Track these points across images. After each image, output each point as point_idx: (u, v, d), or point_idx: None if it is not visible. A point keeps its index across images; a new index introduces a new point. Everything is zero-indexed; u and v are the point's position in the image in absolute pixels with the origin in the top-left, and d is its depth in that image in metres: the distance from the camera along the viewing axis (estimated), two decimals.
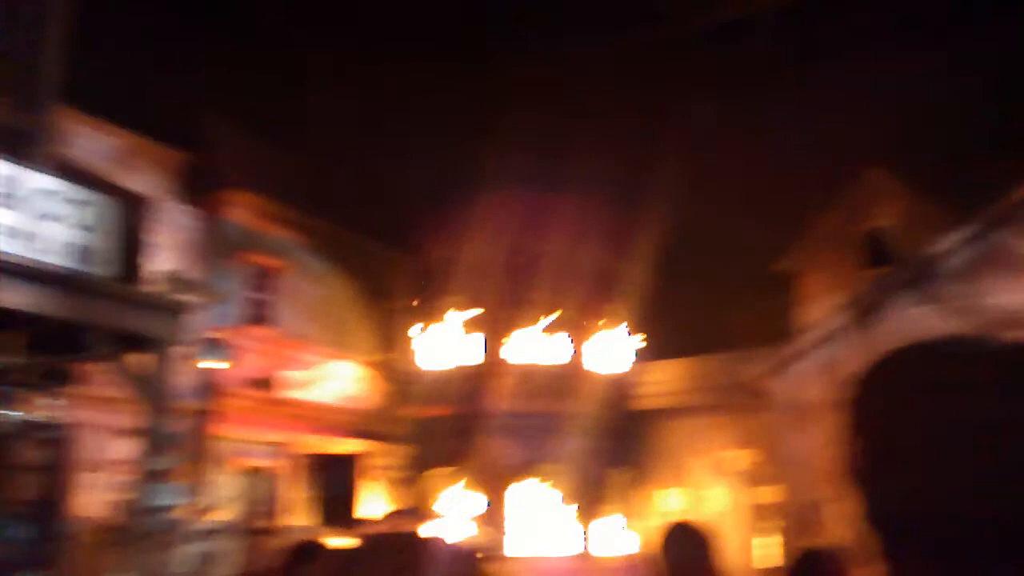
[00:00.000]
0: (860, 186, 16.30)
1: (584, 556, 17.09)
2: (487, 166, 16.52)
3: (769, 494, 17.03)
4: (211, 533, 10.63)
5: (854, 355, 13.34)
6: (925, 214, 15.25)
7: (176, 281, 7.44)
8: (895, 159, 15.99)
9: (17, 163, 6.51)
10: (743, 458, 17.65)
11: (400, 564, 0.67)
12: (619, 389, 18.83)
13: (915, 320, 13.21)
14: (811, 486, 14.50)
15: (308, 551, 2.40)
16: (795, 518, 15.03)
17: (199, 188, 15.22)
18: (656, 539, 2.99)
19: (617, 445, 18.27)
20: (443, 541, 0.79)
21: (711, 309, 18.50)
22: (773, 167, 16.31)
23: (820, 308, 15.67)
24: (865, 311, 13.51)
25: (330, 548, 2.40)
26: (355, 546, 1.01)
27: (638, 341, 19.36)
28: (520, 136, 15.51)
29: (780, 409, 15.42)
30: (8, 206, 6.34)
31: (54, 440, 10.08)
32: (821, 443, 14.09)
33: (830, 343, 14.33)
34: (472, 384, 18.02)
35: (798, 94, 15.90)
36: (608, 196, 16.65)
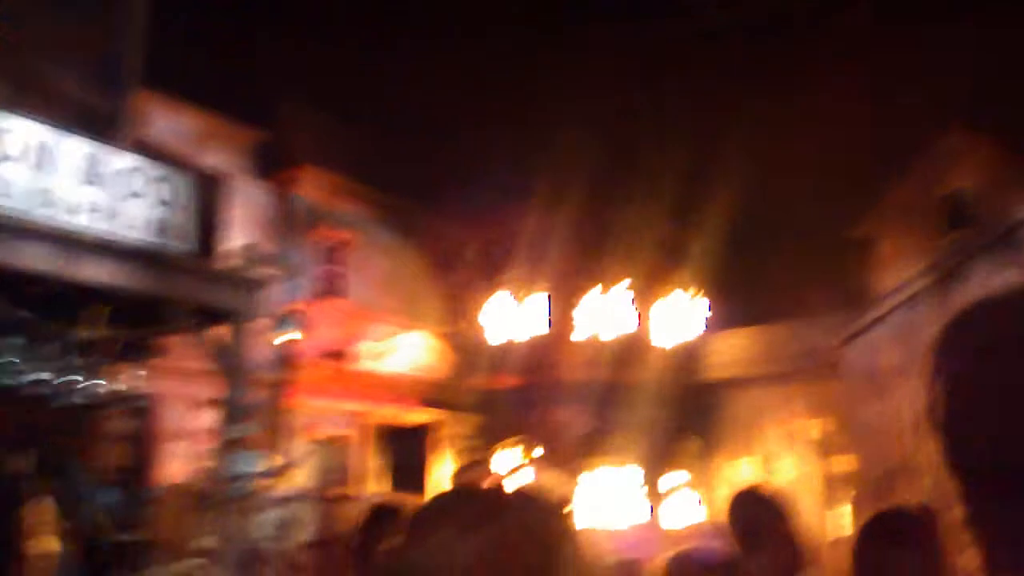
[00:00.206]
0: (938, 148, 15.79)
1: (653, 526, 17.13)
2: (554, 136, 16.51)
3: (841, 464, 16.83)
4: (287, 500, 10.91)
5: (931, 322, 13.06)
6: (1008, 175, 14.76)
7: (251, 256, 7.63)
8: (976, 118, 15.47)
9: (100, 143, 6.73)
10: (815, 427, 17.46)
11: (483, 514, 0.69)
12: (688, 359, 18.73)
13: (996, 286, 12.86)
14: (884, 456, 14.29)
15: (387, 512, 2.46)
16: (867, 488, 14.85)
17: (271, 165, 15.53)
18: (727, 505, 2.96)
19: (686, 415, 18.19)
20: (527, 492, 0.81)
21: (783, 276, 18.22)
22: (849, 130, 15.95)
23: (896, 274, 15.29)
24: (943, 276, 13.16)
25: (408, 507, 2.46)
26: (435, 500, 1.03)
27: (707, 310, 19.21)
28: (587, 104, 15.46)
29: (854, 377, 15.20)
30: (92, 184, 6.57)
31: (138, 411, 10.45)
32: (895, 412, 13.87)
33: (906, 309, 14.00)
34: (540, 354, 18.11)
35: (873, 55, 15.51)
36: (677, 162, 16.48)
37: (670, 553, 2.07)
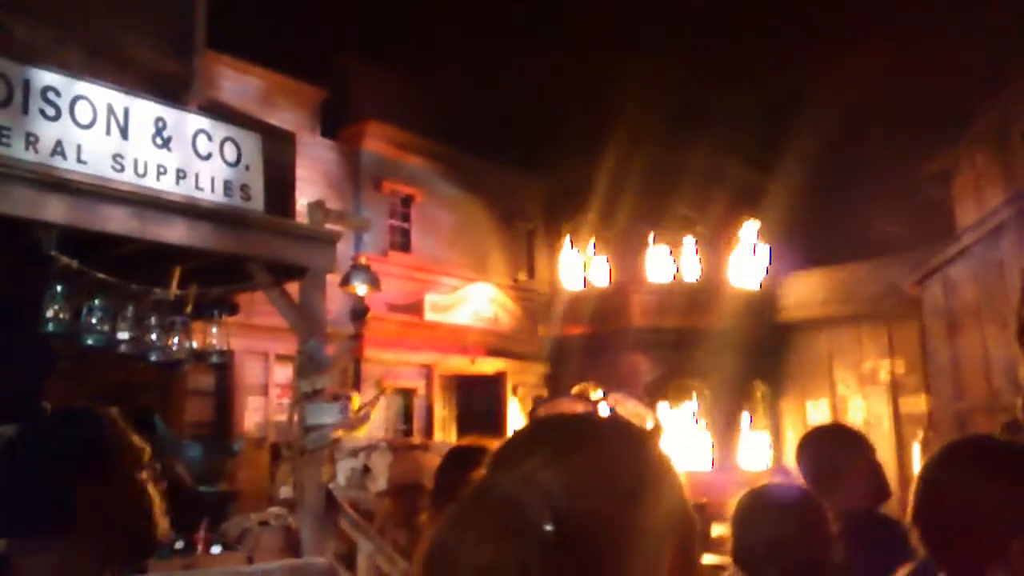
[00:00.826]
0: (1021, 76, 15.12)
1: (722, 469, 17.13)
2: (622, 81, 16.29)
3: (913, 405, 16.57)
4: (362, 450, 11.14)
5: (1013, 255, 12.68)
6: None
7: (322, 212, 7.71)
8: None
9: (170, 106, 6.84)
10: (886, 368, 17.20)
11: (574, 441, 0.68)
12: (760, 302, 18.53)
13: None
14: (960, 395, 14.02)
15: (468, 454, 2.47)
16: (940, 429, 14.61)
17: (337, 122, 15.66)
18: (799, 444, 2.94)
19: (756, 358, 18.06)
20: (619, 420, 0.80)
21: (860, 214, 17.81)
22: (928, 59, 15.39)
23: (977, 208, 14.81)
24: None
25: (489, 449, 2.48)
26: (522, 431, 1.01)
27: (780, 251, 18.94)
28: (656, 50, 15.18)
29: (930, 316, 14.87)
30: (163, 146, 6.69)
31: (221, 367, 10.72)
32: (974, 350, 13.57)
33: (987, 244, 13.58)
34: (608, 302, 18.09)
35: None
36: (749, 102, 16.14)
37: (743, 492, 2.05)
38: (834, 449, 2.83)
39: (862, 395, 17.58)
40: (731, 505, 2.05)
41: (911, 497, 1.74)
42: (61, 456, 1.51)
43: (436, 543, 0.80)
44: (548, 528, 0.76)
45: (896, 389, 17.03)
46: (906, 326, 16.34)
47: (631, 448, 0.88)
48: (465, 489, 0.85)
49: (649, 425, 0.97)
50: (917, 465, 15.79)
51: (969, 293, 13.89)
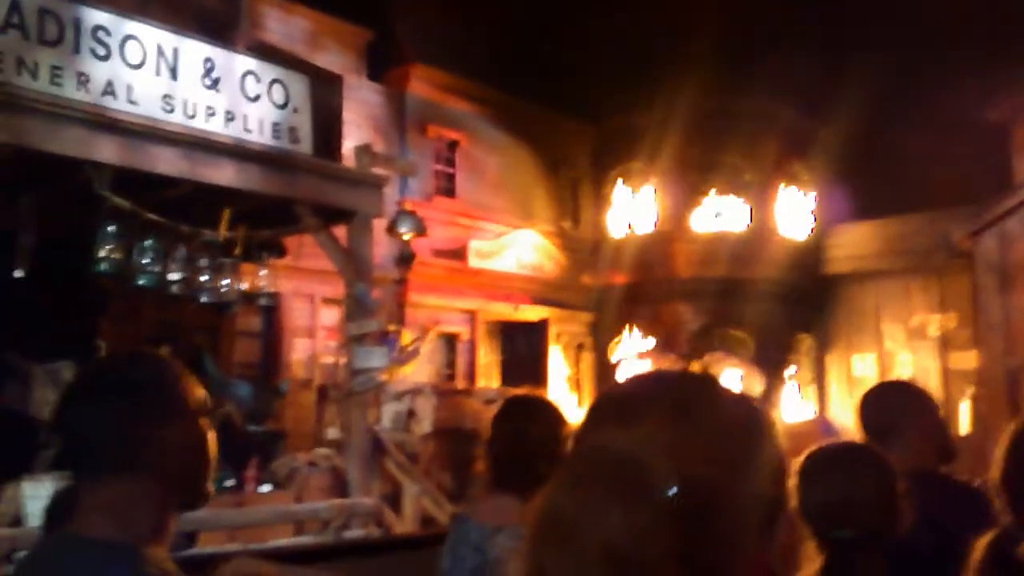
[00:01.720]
0: None
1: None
2: (672, 26, 15.97)
3: (962, 360, 16.33)
4: (409, 393, 11.24)
5: None
6: None
7: (369, 155, 7.68)
8: None
9: (218, 46, 6.81)
10: (939, 322, 16.93)
11: (693, 403, 0.65)
12: (808, 252, 18.29)
13: None
14: (1011, 351, 13.79)
15: (525, 405, 2.44)
16: (990, 385, 14.40)
17: (382, 64, 15.53)
18: (862, 398, 2.85)
19: (806, 310, 17.88)
20: (725, 384, 0.77)
21: (912, 165, 17.39)
22: (987, 2, 14.85)
23: None
24: None
25: (546, 402, 2.45)
26: (633, 385, 0.98)
27: (830, 202, 18.62)
28: None
29: (983, 270, 14.56)
30: (215, 88, 6.68)
31: (267, 309, 10.84)
32: None
33: None
34: (653, 251, 17.95)
35: None
36: (800, 49, 15.72)
37: (810, 448, 2.00)
38: (900, 406, 2.75)
39: (910, 350, 17.36)
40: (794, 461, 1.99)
41: (998, 462, 1.68)
42: (128, 395, 1.52)
43: (553, 506, 0.75)
44: (673, 493, 0.72)
45: (945, 344, 16.78)
46: (957, 280, 16.04)
47: (744, 414, 0.85)
48: (575, 448, 0.81)
49: (756, 388, 0.92)
50: (965, 422, 15.67)
51: (1022, 249, 13.58)
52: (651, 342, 17.38)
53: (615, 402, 0.86)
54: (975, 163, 16.46)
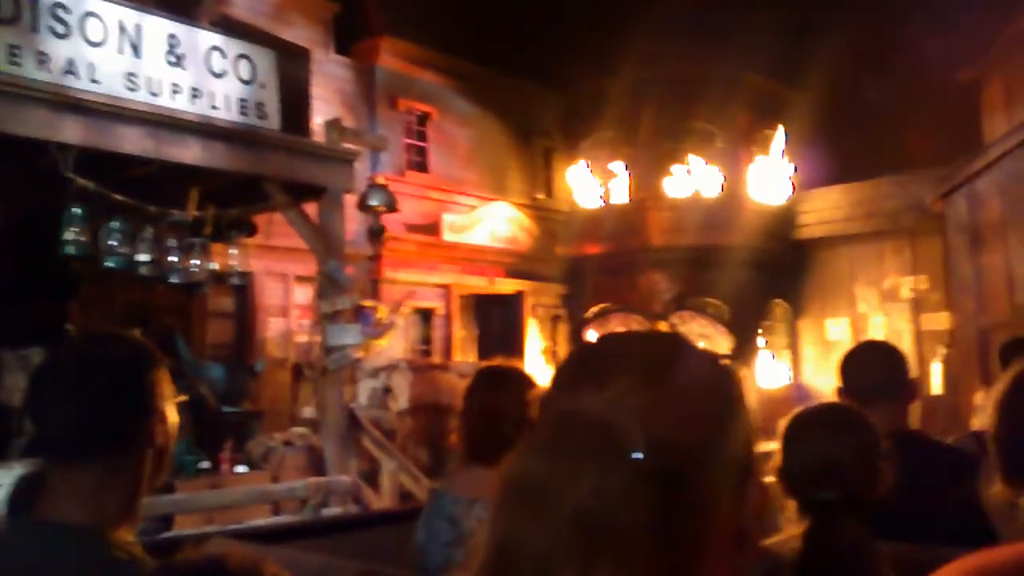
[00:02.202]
0: None
1: (746, 387, 17.17)
2: None
3: (934, 322, 16.50)
4: (385, 369, 11.21)
5: None
6: None
7: (338, 131, 7.61)
8: None
9: (181, 22, 6.70)
10: (911, 285, 17.09)
11: (664, 364, 0.64)
12: (780, 218, 18.36)
13: None
14: (982, 311, 13.94)
15: (500, 375, 2.43)
16: (962, 346, 14.57)
17: (350, 38, 15.36)
18: (843, 359, 2.84)
19: (779, 276, 17.97)
20: (695, 346, 0.75)
21: (883, 128, 17.45)
22: None
23: (1007, 120, 14.46)
24: None
25: (518, 371, 2.44)
26: (601, 346, 0.96)
27: (801, 167, 18.68)
28: None
29: (954, 232, 14.68)
30: (179, 65, 6.57)
31: (241, 288, 10.75)
32: (998, 266, 13.43)
33: (1015, 157, 13.30)
34: (626, 220, 17.95)
35: None
36: (769, 12, 15.68)
37: (794, 411, 2.00)
38: (887, 366, 2.76)
39: (883, 312, 17.51)
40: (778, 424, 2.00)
41: (992, 422, 1.67)
42: (97, 379, 1.51)
43: (521, 472, 0.74)
44: (643, 456, 0.71)
45: (917, 306, 16.94)
46: (929, 242, 16.17)
47: (715, 375, 0.83)
48: (539, 412, 0.79)
49: (724, 347, 0.91)
50: (937, 383, 15.84)
51: (995, 208, 13.69)
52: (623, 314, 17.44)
53: (584, 364, 0.85)
54: (945, 125, 16.56)
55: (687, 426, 0.75)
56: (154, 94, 6.34)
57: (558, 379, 0.83)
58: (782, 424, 1.97)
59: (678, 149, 18.13)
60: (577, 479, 0.70)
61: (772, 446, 2.99)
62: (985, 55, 15.55)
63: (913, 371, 2.93)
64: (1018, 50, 14.81)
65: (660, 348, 0.85)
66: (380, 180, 11.07)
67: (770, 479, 2.89)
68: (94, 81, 5.99)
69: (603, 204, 18.65)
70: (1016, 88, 14.83)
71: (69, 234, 6.11)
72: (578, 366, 0.84)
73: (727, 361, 0.87)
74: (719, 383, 0.82)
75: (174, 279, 6.91)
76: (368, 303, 9.24)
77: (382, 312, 7.65)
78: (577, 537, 0.69)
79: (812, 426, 1.94)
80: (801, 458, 1.87)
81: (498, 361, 2.50)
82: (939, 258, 15.83)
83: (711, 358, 0.86)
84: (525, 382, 2.25)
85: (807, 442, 1.89)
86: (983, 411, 1.69)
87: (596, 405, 0.74)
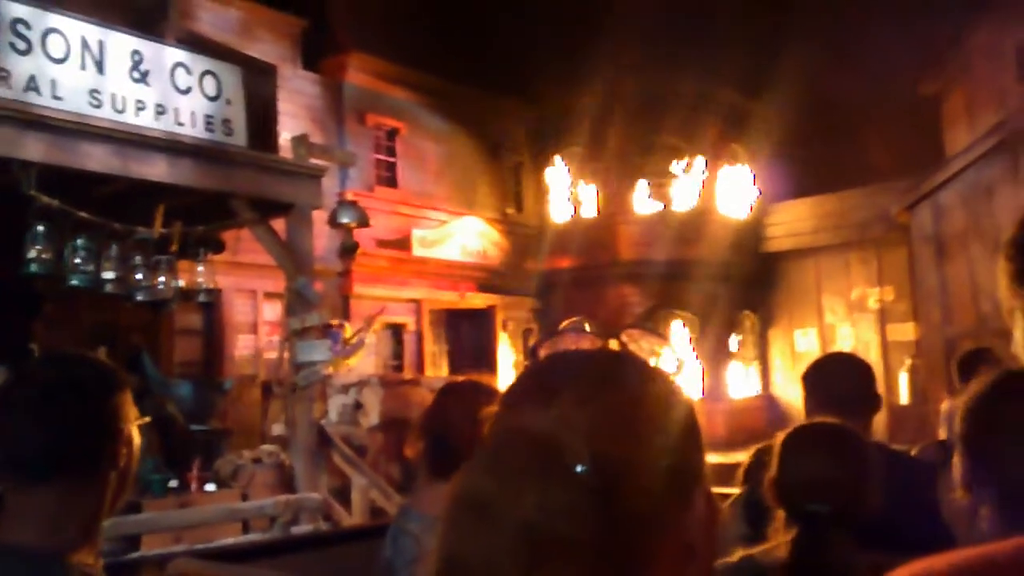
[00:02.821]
0: None
1: (716, 398, 17.27)
2: (609, 7, 15.99)
3: (900, 332, 16.69)
4: (356, 385, 11.16)
5: (1003, 180, 12.63)
6: None
7: (306, 146, 7.59)
8: None
9: (146, 38, 6.66)
10: (877, 295, 17.28)
11: (603, 381, 0.65)
12: (750, 231, 18.52)
13: None
14: (948, 321, 14.10)
15: (461, 389, 2.42)
16: (929, 355, 14.73)
17: (318, 54, 15.33)
18: (810, 369, 2.87)
19: (748, 288, 18.11)
20: (640, 360, 0.76)
21: (848, 141, 17.66)
22: None
23: (969, 132, 14.67)
24: (1017, 132, 12.59)
25: (483, 385, 2.43)
26: (545, 365, 0.96)
27: (769, 181, 18.86)
28: None
29: (919, 242, 14.87)
30: (144, 81, 6.53)
31: (209, 305, 10.67)
32: (962, 276, 13.60)
33: (977, 169, 13.50)
34: (597, 234, 18.02)
35: None
36: (735, 28, 15.84)
37: (793, 427, 2.04)
38: (867, 377, 2.80)
39: (850, 323, 17.69)
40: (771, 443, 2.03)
41: (958, 431, 1.68)
42: (58, 400, 1.49)
43: (468, 488, 0.75)
44: (586, 470, 0.72)
45: (884, 316, 17.13)
46: (895, 253, 16.37)
47: (660, 387, 0.84)
48: (488, 428, 0.80)
49: (671, 363, 0.93)
50: (904, 392, 15.97)
51: (958, 218, 13.88)
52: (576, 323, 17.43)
53: (530, 382, 0.86)
54: (910, 137, 16.79)
55: (629, 440, 0.76)
56: (119, 111, 6.29)
57: (506, 397, 0.84)
58: (780, 436, 2.00)
59: (647, 163, 18.25)
60: (521, 494, 0.71)
61: (741, 457, 3.01)
62: (946, 68, 15.79)
63: (880, 381, 2.97)
64: (978, 63, 15.06)
65: (604, 365, 0.87)
66: (349, 196, 11.05)
67: (735, 491, 2.90)
68: (57, 98, 5.94)
69: (573, 218, 18.72)
70: (977, 100, 15.07)
71: (33, 252, 6.04)
72: (525, 384, 0.85)
73: (672, 377, 0.89)
74: (660, 397, 0.83)
75: (140, 297, 6.85)
76: (335, 322, 9.20)
77: (348, 332, 7.62)
78: (521, 551, 0.70)
79: (812, 442, 1.97)
80: (798, 471, 1.90)
81: (465, 376, 2.49)
82: (905, 269, 16.03)
83: (655, 373, 0.87)
84: (483, 398, 2.24)
85: (805, 457, 1.93)
86: (955, 415, 1.70)
87: (541, 422, 0.75)
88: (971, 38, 15.15)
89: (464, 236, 17.30)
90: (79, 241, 6.26)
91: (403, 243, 16.11)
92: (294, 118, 13.12)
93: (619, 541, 0.72)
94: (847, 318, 17.74)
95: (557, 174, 19.04)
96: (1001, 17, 14.37)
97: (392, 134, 16.70)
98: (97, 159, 6.02)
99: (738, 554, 1.88)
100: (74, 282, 6.37)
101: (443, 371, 16.35)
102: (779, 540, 1.86)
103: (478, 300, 17.43)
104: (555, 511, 0.70)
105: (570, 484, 0.71)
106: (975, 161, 13.49)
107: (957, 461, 1.64)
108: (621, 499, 0.73)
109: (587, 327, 1.00)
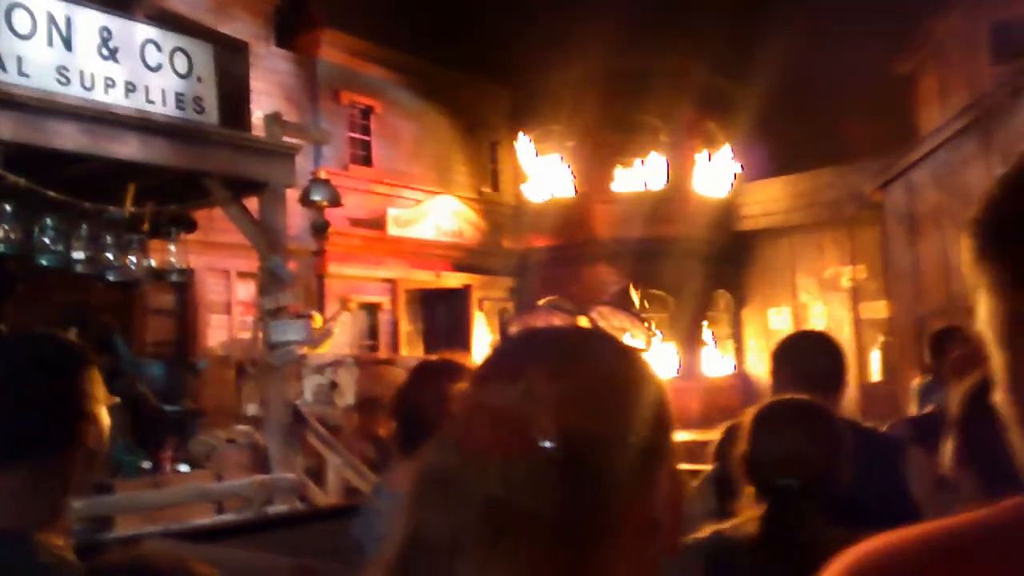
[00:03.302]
0: None
1: (691, 377, 17.38)
2: None
3: (873, 310, 16.85)
4: (331, 365, 11.13)
5: (974, 160, 12.73)
6: None
7: (279, 124, 7.52)
8: None
9: (115, 15, 6.56)
10: (850, 274, 17.42)
11: (571, 357, 0.66)
12: (725, 210, 18.58)
13: None
14: (919, 299, 14.24)
15: (436, 368, 2.42)
16: (901, 333, 14.88)
17: (292, 31, 15.17)
18: (780, 348, 2.89)
19: (723, 266, 18.20)
20: (610, 335, 0.76)
21: (823, 120, 17.74)
22: None
23: (940, 112, 14.78)
24: (990, 111, 12.69)
25: (458, 364, 2.43)
26: (512, 343, 0.96)
27: (744, 160, 18.92)
28: None
29: (892, 221, 14.99)
30: (113, 58, 6.43)
31: (182, 285, 10.59)
32: (934, 255, 13.73)
33: (948, 149, 13.61)
34: (573, 213, 18.03)
35: None
36: (711, 7, 15.83)
37: (760, 404, 2.04)
38: (840, 354, 2.82)
39: (823, 301, 17.83)
40: (743, 420, 2.03)
41: (955, 414, 1.70)
42: (25, 381, 1.48)
43: (433, 464, 0.76)
44: (552, 445, 0.73)
45: (857, 295, 17.28)
46: (867, 232, 16.50)
47: (628, 363, 0.85)
48: (456, 405, 0.81)
49: (640, 340, 0.93)
50: (876, 370, 16.13)
51: (930, 197, 14.00)
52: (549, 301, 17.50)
53: (500, 358, 0.87)
54: (884, 116, 16.89)
55: (595, 416, 0.77)
56: (87, 88, 6.19)
57: (476, 374, 0.85)
58: (751, 412, 2.00)
59: (623, 142, 18.25)
60: (485, 469, 0.72)
61: (714, 435, 3.03)
62: (920, 49, 15.87)
63: (853, 359, 3.00)
64: (951, 44, 15.15)
65: (572, 342, 0.88)
66: (322, 175, 10.97)
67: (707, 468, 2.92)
68: (23, 75, 5.84)
69: (549, 197, 18.71)
70: (950, 80, 15.17)
71: (0, 232, 5.96)
72: (494, 361, 0.86)
73: (641, 353, 0.90)
74: (627, 373, 0.83)
75: (111, 276, 6.78)
76: (306, 311, 9.16)
77: (318, 320, 7.58)
78: (485, 525, 0.71)
79: (784, 418, 1.98)
80: (769, 447, 1.90)
81: (439, 355, 2.49)
82: (878, 248, 16.16)
83: (623, 349, 0.87)
84: (454, 375, 2.24)
85: (777, 433, 1.93)
86: (954, 394, 1.72)
87: (507, 397, 0.76)
88: (945, 19, 15.24)
89: (439, 215, 17.25)
90: (48, 220, 6.19)
91: (378, 222, 16.05)
92: (268, 96, 12.99)
93: (583, 516, 0.73)
94: (820, 296, 17.88)
95: (534, 153, 19.00)
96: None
97: (367, 112, 16.60)
98: (66, 137, 5.93)
99: (708, 529, 1.90)
100: (43, 262, 6.31)
101: (419, 351, 16.34)
102: (748, 515, 1.87)
103: (453, 280, 17.40)
104: (519, 485, 0.71)
105: (534, 458, 0.72)
106: (947, 141, 13.59)
107: (951, 441, 1.66)
108: (586, 474, 0.74)
109: (558, 304, 1.01)
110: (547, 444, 0.73)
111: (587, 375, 0.80)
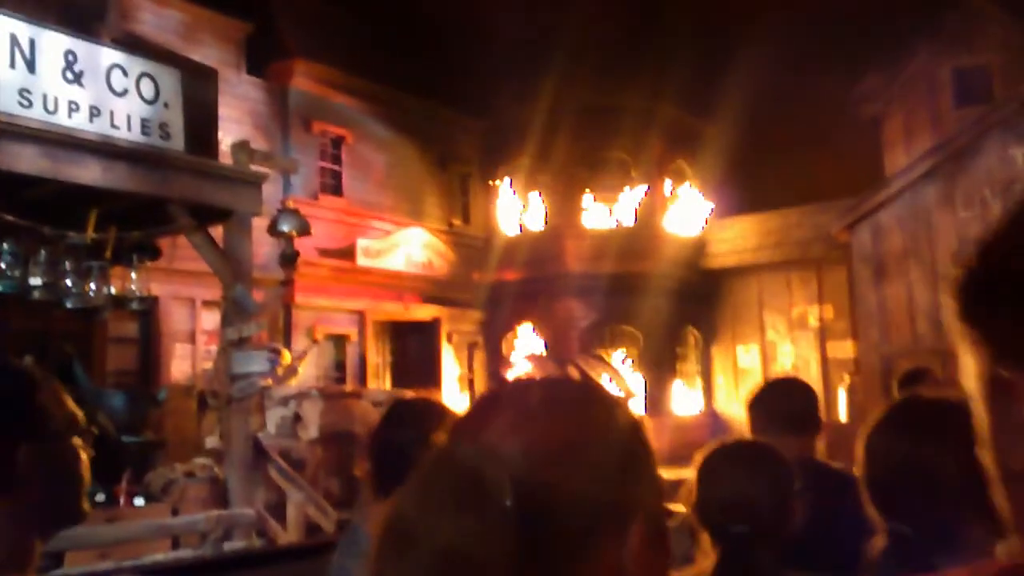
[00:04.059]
0: (953, 18, 15.18)
1: (660, 414, 17.33)
2: (558, 22, 16.04)
3: (840, 350, 16.93)
4: (295, 397, 10.96)
5: (939, 203, 12.89)
6: (1022, 48, 14.24)
7: (247, 152, 7.43)
8: None
9: (82, 38, 6.46)
10: (817, 313, 17.51)
11: (543, 407, 0.63)
12: (694, 247, 18.66)
13: (1012, 163, 12.62)
14: (886, 339, 14.33)
15: (411, 408, 2.35)
16: (868, 373, 14.95)
17: (263, 59, 15.10)
18: (759, 391, 2.92)
19: (692, 304, 18.23)
20: (591, 385, 0.73)
21: (791, 160, 17.95)
22: (858, 3, 15.40)
23: (906, 154, 14.99)
24: (954, 155, 12.88)
25: (433, 404, 2.36)
26: (492, 393, 0.93)
27: (713, 198, 19.06)
28: None
29: (859, 262, 15.11)
30: (77, 82, 6.33)
31: (145, 313, 10.40)
32: (901, 295, 13.83)
33: (914, 190, 13.78)
34: (544, 247, 18.02)
35: None
36: (684, 48, 16.01)
37: (709, 447, 2.01)
38: (814, 399, 2.87)
39: (791, 340, 17.89)
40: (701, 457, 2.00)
41: (860, 462, 1.71)
42: None
43: (396, 513, 0.77)
44: (507, 501, 0.73)
45: (824, 334, 17.37)
46: (835, 272, 16.61)
47: (599, 416, 0.83)
48: (426, 456, 0.82)
49: (623, 389, 0.89)
50: (843, 409, 16.22)
51: (896, 239, 14.14)
52: (540, 342, 17.49)
53: (472, 412, 0.88)
54: (851, 158, 17.10)
55: (556, 468, 0.77)
56: (50, 111, 6.08)
57: (452, 426, 0.86)
58: (698, 457, 1.98)
59: (594, 178, 18.32)
60: (442, 520, 0.73)
61: (685, 474, 2.99)
62: (886, 92, 16.11)
63: (820, 398, 3.05)
64: (916, 88, 15.39)
65: (539, 393, 0.87)
66: (291, 204, 10.87)
67: (681, 509, 2.86)
68: None
69: (521, 231, 18.71)
70: (914, 123, 15.40)
71: None
72: (468, 413, 0.88)
73: (623, 403, 0.86)
74: (600, 427, 0.82)
75: (70, 303, 6.62)
76: (273, 345, 9.03)
77: (287, 358, 7.47)
78: (437, 575, 0.71)
79: (728, 461, 1.95)
80: (715, 492, 1.87)
81: (415, 393, 2.43)
82: (845, 287, 16.27)
83: (602, 403, 0.86)
84: (432, 418, 2.17)
85: (722, 477, 1.90)
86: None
87: (467, 451, 0.77)
88: (910, 63, 15.49)
89: (409, 247, 17.16)
90: (5, 245, 6.04)
91: (347, 252, 15.93)
92: (238, 123, 12.90)
93: (540, 567, 0.74)
94: (788, 335, 17.94)
95: (505, 187, 19.01)
96: (939, 43, 14.70)
97: (338, 142, 16.53)
98: (26, 160, 5.80)
99: None
100: (2, 289, 6.15)
101: (386, 384, 16.17)
102: (704, 562, 1.84)
103: (423, 312, 17.29)
104: (475, 537, 0.72)
105: (487, 511, 0.72)
106: (912, 183, 13.77)
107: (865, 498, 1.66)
108: (543, 526, 0.74)
109: (545, 353, 0.99)
110: (505, 500, 0.73)
111: (553, 428, 0.80)
